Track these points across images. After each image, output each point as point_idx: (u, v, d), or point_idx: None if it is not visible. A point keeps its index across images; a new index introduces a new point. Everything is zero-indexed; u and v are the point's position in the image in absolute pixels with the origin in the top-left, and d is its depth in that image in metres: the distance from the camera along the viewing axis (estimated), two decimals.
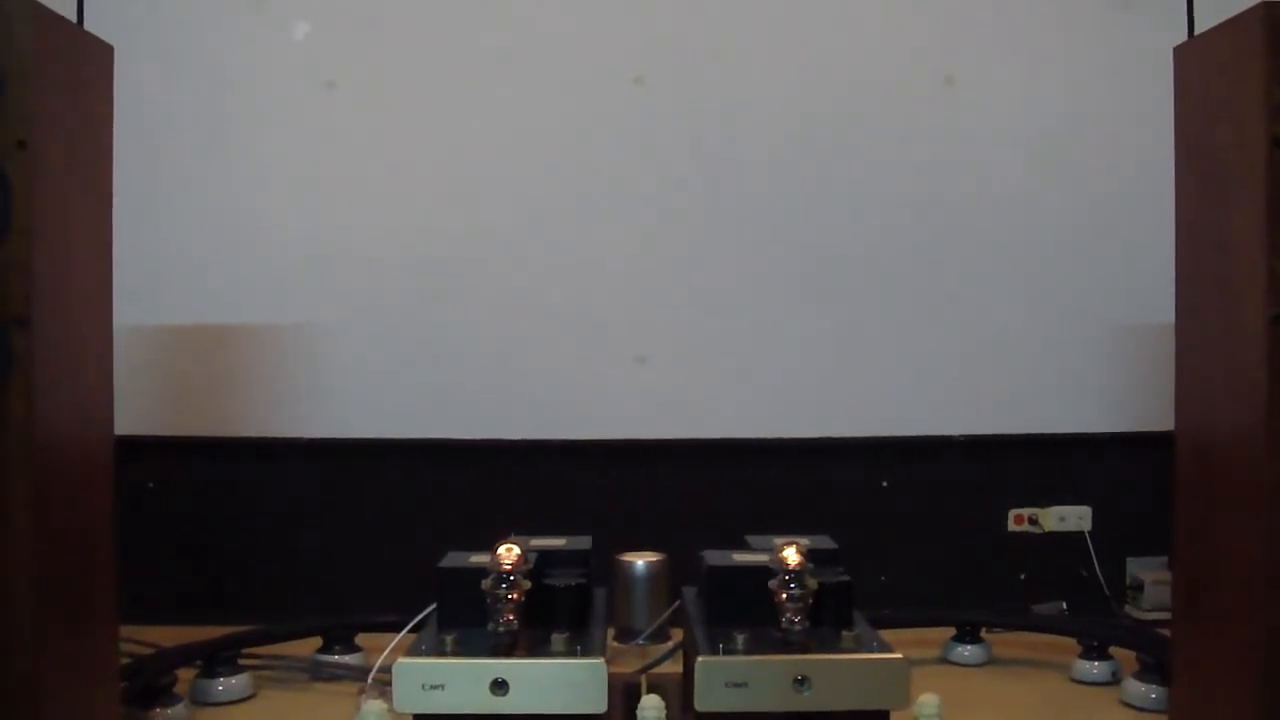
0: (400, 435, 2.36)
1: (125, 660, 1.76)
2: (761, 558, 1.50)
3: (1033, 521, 2.40)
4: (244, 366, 2.38)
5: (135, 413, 2.18)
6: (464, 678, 1.37)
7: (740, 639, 1.41)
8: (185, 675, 1.85)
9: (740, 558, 1.57)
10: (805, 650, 1.40)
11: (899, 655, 1.39)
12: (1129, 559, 2.39)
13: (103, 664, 1.44)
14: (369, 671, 1.83)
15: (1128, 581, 2.39)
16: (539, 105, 2.37)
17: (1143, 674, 1.85)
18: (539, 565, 1.53)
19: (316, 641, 2.04)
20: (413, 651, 1.41)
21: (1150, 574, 2.34)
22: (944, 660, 2.09)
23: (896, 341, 2.39)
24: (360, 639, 2.04)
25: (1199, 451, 1.46)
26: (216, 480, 2.38)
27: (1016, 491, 2.41)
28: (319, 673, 2.00)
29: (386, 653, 1.77)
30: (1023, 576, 2.40)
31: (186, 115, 2.34)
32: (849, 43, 2.38)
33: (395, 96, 2.36)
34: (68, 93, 1.34)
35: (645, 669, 1.86)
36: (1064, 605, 2.37)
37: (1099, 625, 2.11)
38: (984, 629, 2.11)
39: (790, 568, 1.42)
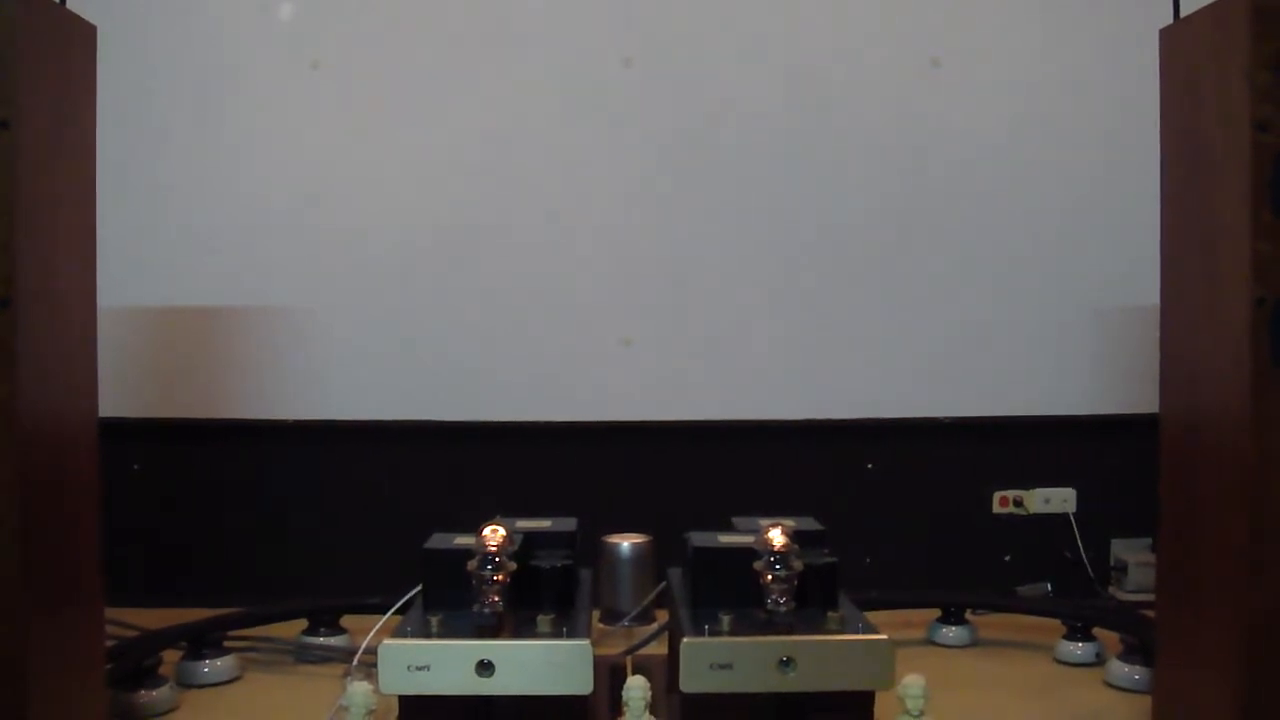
0: (386, 417, 2.36)
1: (110, 642, 1.76)
2: (747, 539, 1.51)
3: (1017, 503, 2.41)
4: (229, 348, 2.37)
5: (120, 395, 2.18)
6: (449, 659, 1.37)
7: (725, 620, 1.41)
8: (170, 657, 1.85)
9: (726, 539, 1.57)
10: (790, 631, 1.40)
11: (884, 636, 1.40)
12: (1113, 541, 2.41)
13: (88, 646, 1.44)
14: (354, 653, 1.84)
15: (1112, 563, 2.40)
16: (527, 87, 2.36)
17: (1126, 655, 1.86)
18: (524, 547, 1.53)
19: (302, 623, 2.04)
20: (398, 633, 1.41)
21: (1134, 556, 2.35)
22: (929, 642, 2.10)
23: (882, 323, 2.40)
24: (346, 621, 2.03)
25: (1183, 434, 1.47)
26: (202, 462, 2.37)
27: (1001, 473, 2.41)
28: (304, 655, 2.00)
29: (372, 634, 1.77)
30: (1007, 558, 2.41)
31: (169, 96, 2.33)
32: (835, 24, 2.38)
33: (380, 77, 2.36)
34: (51, 73, 1.33)
35: (631, 650, 1.86)
36: (1048, 587, 2.39)
37: (1083, 607, 2.12)
38: (969, 610, 2.12)
39: (776, 549, 1.42)
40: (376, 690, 1.40)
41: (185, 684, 1.84)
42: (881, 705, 1.43)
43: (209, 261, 2.35)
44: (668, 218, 2.39)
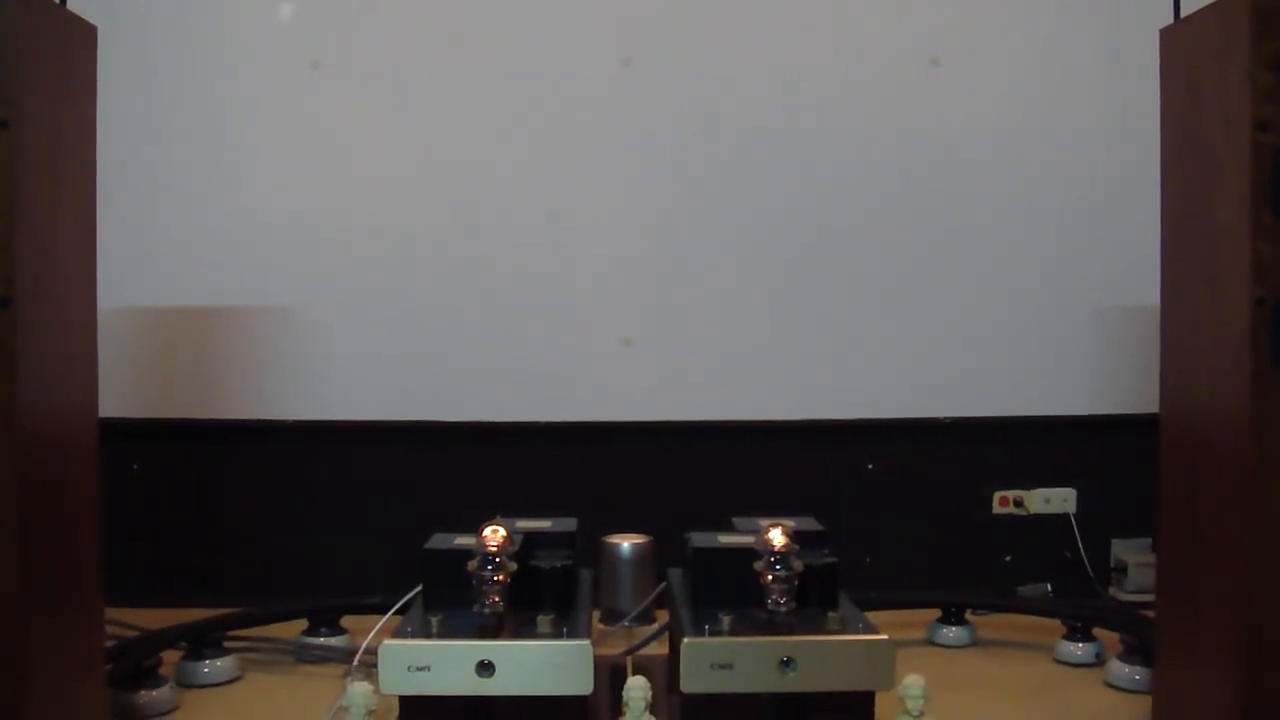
0: (386, 417, 2.36)
1: (110, 643, 1.76)
2: (747, 539, 1.51)
3: (1018, 504, 2.41)
4: (229, 349, 2.37)
5: (119, 395, 2.17)
6: (450, 659, 1.37)
7: (726, 621, 1.41)
8: (170, 658, 1.85)
9: (726, 540, 1.57)
10: (791, 632, 1.40)
11: (884, 637, 1.40)
12: (1113, 541, 2.41)
13: (88, 647, 1.44)
14: (355, 653, 1.84)
15: (1112, 563, 2.40)
16: (527, 86, 2.36)
17: (1126, 655, 1.86)
18: (525, 547, 1.53)
19: (302, 624, 2.04)
20: (398, 634, 1.41)
21: (1134, 556, 2.35)
22: (929, 642, 2.10)
23: (882, 324, 2.40)
24: (346, 621, 2.04)
25: (1183, 434, 1.47)
26: (201, 463, 2.37)
27: (1001, 474, 2.41)
28: (304, 655, 2.00)
29: (372, 635, 1.77)
30: (1008, 558, 2.41)
31: (170, 96, 2.33)
32: (836, 24, 2.37)
33: (380, 77, 2.35)
34: (51, 73, 1.33)
35: (631, 651, 1.86)
36: (1048, 587, 2.38)
37: (1083, 607, 2.12)
38: (969, 611, 2.12)
39: (776, 549, 1.42)
40: (377, 690, 1.40)
41: (185, 684, 1.84)
42: (882, 705, 1.43)
43: (209, 261, 2.35)
44: (668, 218, 2.39)
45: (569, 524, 1.67)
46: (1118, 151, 2.33)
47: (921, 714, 1.41)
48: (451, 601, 1.45)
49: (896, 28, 2.38)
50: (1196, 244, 1.42)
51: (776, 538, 1.43)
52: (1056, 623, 2.04)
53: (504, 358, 2.38)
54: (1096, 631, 1.98)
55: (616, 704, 1.43)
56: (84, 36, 1.42)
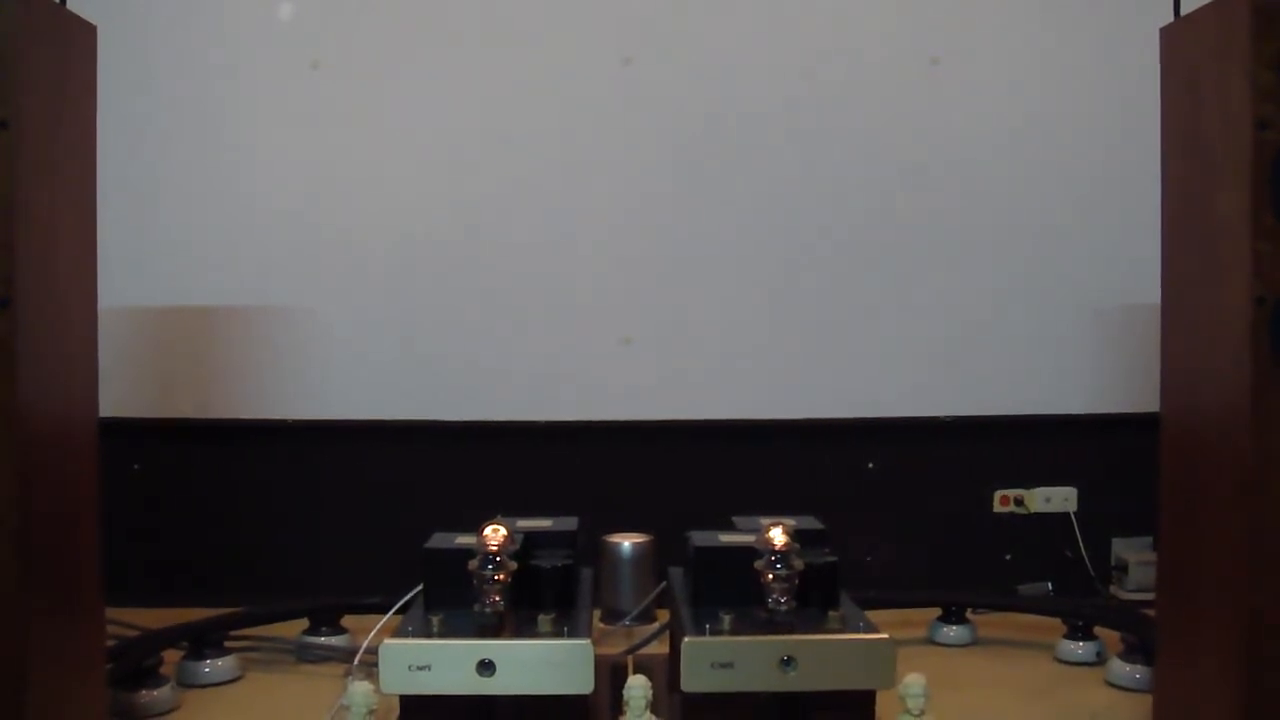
0: (386, 417, 2.36)
1: (110, 642, 1.75)
2: (748, 538, 1.51)
3: (1018, 503, 2.41)
4: (229, 348, 2.37)
5: (120, 394, 2.17)
6: (450, 659, 1.37)
7: (726, 620, 1.41)
8: (171, 657, 1.85)
9: (727, 539, 1.57)
10: (791, 631, 1.40)
11: (885, 635, 1.40)
12: (1114, 540, 2.41)
13: (88, 646, 1.44)
14: (355, 653, 1.83)
15: (1112, 562, 2.40)
16: (526, 86, 2.36)
17: (1127, 654, 1.86)
18: (525, 546, 1.53)
19: (303, 623, 2.04)
20: (399, 633, 1.41)
21: (1135, 555, 2.35)
22: (930, 641, 2.10)
23: (882, 323, 2.40)
24: (346, 620, 2.04)
25: (1183, 433, 1.47)
26: (202, 462, 2.37)
27: (1002, 473, 2.41)
28: (305, 654, 2.00)
29: (373, 634, 1.77)
30: (1008, 557, 2.41)
31: (170, 96, 2.33)
32: (836, 24, 2.37)
33: (380, 77, 2.35)
34: (51, 73, 1.33)
35: (632, 650, 1.86)
36: (1049, 586, 2.38)
37: (1084, 606, 2.12)
38: (969, 610, 2.12)
39: (776, 548, 1.42)
40: (377, 690, 1.40)
41: (186, 684, 1.84)
42: (882, 704, 1.43)
43: (209, 261, 2.35)
44: (668, 218, 2.39)
45: (569, 523, 1.67)
46: (1117, 151, 2.33)
47: (922, 713, 1.41)
48: (452, 601, 1.45)
49: (896, 28, 2.38)
50: (1196, 243, 1.42)
51: (777, 536, 1.43)
52: (1057, 622, 2.04)
53: (504, 358, 2.38)
54: (1097, 630, 1.98)
55: (617, 703, 1.43)
56: (84, 36, 1.42)
